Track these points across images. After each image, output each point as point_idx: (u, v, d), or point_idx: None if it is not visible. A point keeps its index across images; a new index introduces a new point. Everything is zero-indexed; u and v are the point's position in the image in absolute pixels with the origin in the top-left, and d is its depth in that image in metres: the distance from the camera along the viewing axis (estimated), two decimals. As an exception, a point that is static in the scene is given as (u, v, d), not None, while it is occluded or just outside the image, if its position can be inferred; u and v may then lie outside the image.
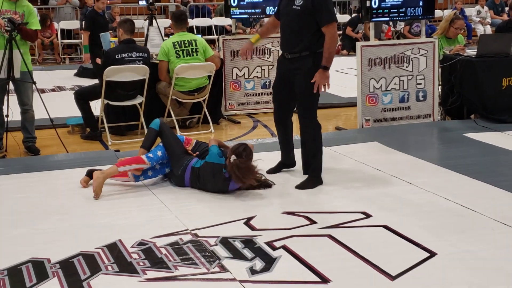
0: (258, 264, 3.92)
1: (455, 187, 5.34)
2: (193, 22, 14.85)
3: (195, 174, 5.27)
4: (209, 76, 7.59)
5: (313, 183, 5.38)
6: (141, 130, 7.37)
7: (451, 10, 15.01)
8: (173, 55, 7.39)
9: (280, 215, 4.78)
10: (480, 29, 15.93)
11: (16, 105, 6.57)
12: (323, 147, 5.57)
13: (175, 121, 7.44)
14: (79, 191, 5.37)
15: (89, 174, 5.46)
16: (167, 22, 14.40)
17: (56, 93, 10.10)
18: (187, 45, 7.49)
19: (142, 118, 7.31)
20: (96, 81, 7.77)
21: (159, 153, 5.43)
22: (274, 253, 4.07)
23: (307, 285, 3.67)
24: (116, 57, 7.11)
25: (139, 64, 7.18)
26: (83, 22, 12.33)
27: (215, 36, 14.16)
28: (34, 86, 6.55)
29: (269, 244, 4.21)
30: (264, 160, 5.43)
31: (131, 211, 4.91)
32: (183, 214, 4.79)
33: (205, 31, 14.87)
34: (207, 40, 8.23)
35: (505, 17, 15.49)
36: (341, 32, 15.21)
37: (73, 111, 7.50)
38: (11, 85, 6.45)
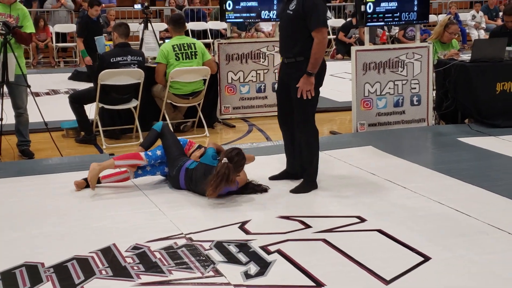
0: (253, 268, 3.92)
1: (450, 191, 5.35)
2: (188, 26, 14.80)
3: (188, 175, 5.27)
4: (205, 81, 7.59)
5: (308, 188, 5.38)
6: (136, 133, 7.37)
7: (445, 15, 15.05)
8: (173, 57, 7.39)
9: (275, 219, 4.78)
10: (474, 34, 15.99)
11: (10, 108, 6.56)
12: (319, 152, 5.57)
13: (170, 125, 7.41)
14: (73, 195, 5.36)
15: (88, 181, 5.46)
16: (162, 25, 14.42)
17: (51, 97, 10.09)
18: (186, 48, 7.49)
19: (136, 122, 7.31)
20: (91, 84, 7.76)
21: (159, 152, 5.47)
22: (268, 257, 4.06)
23: (302, 290, 3.67)
24: (111, 60, 7.11)
25: (134, 67, 7.18)
26: (77, 27, 12.36)
27: (210, 40, 14.17)
28: (28, 89, 6.55)
29: (264, 248, 4.21)
30: (260, 164, 5.45)
31: (126, 215, 4.88)
32: (177, 218, 4.78)
33: (200, 35, 14.88)
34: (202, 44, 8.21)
35: (499, 22, 15.54)
36: (335, 36, 15.26)
37: (68, 115, 7.49)
38: (5, 89, 6.44)
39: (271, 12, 8.45)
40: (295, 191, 5.35)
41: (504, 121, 7.56)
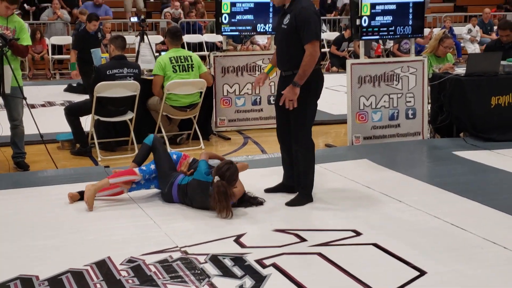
0: (248, 282, 3.90)
1: (445, 205, 5.34)
2: (184, 38, 14.76)
3: (182, 191, 5.26)
4: (201, 93, 7.59)
5: (304, 201, 5.38)
6: (131, 146, 7.35)
7: (440, 29, 15.13)
8: (170, 70, 7.39)
9: (270, 232, 4.76)
10: (470, 48, 16.06)
11: (6, 120, 6.55)
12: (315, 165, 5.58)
13: (165, 138, 7.42)
14: (68, 208, 5.34)
15: (82, 195, 5.44)
16: (159, 38, 14.42)
17: (46, 109, 10.07)
18: (183, 60, 7.50)
19: (132, 134, 7.29)
20: (87, 96, 7.76)
21: (153, 166, 5.48)
22: (264, 271, 4.05)
23: (297, 304, 3.67)
24: (107, 73, 7.11)
25: (130, 80, 7.18)
26: (73, 39, 12.38)
27: (206, 53, 14.17)
28: (24, 101, 6.53)
29: (259, 262, 4.19)
30: (256, 177, 5.44)
31: (121, 228, 4.87)
32: (172, 231, 4.77)
33: (196, 47, 14.90)
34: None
35: (494, 36, 15.62)
36: (330, 49, 15.31)
37: (63, 127, 7.47)
38: (1, 100, 6.44)
39: (267, 25, 8.49)
40: (290, 204, 5.34)
41: (499, 135, 7.57)
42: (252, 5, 8.53)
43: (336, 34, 15.86)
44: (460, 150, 7.15)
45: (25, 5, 14.99)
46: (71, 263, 4.16)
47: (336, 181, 6.08)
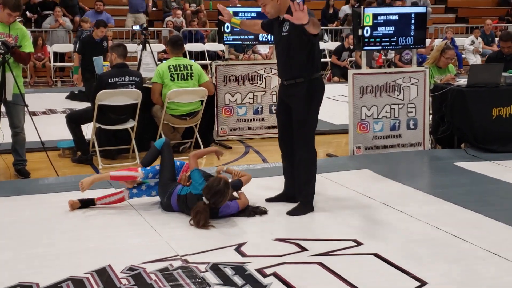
0: (249, 291, 3.90)
1: (446, 216, 5.35)
2: (186, 47, 14.81)
3: (182, 201, 5.25)
4: (202, 102, 7.61)
5: (305, 210, 5.38)
6: (132, 154, 7.37)
7: (442, 40, 15.16)
8: (168, 77, 7.42)
9: (271, 241, 4.76)
10: (472, 59, 16.09)
11: (7, 127, 6.56)
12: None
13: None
14: (69, 215, 5.35)
15: (82, 203, 5.46)
16: (161, 46, 14.47)
17: (48, 116, 10.09)
18: (182, 69, 7.53)
19: (133, 142, 7.31)
20: (88, 104, 7.77)
21: (157, 167, 5.47)
22: (264, 280, 4.05)
23: (298, 313, 3.67)
24: (109, 81, 7.13)
25: (131, 88, 7.19)
26: (76, 45, 12.41)
27: (207, 62, 14.22)
28: (25, 108, 6.54)
29: (260, 271, 4.19)
30: (257, 186, 5.43)
31: (121, 236, 4.87)
32: (173, 239, 4.77)
33: (197, 56, 14.94)
34: (199, 65, 8.24)
35: (495, 47, 15.67)
36: (330, 59, 15.36)
37: (64, 134, 7.49)
38: (2, 108, 6.45)
39: (269, 34, 8.50)
40: (291, 213, 5.35)
41: (500, 146, 7.58)
42: (254, 14, 8.54)
43: (338, 43, 15.91)
44: (461, 161, 7.16)
45: (27, 12, 15.02)
46: (72, 271, 4.15)
47: (337, 191, 6.09)
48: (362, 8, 7.45)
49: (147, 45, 9.42)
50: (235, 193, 5.35)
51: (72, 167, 7.15)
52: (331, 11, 17.86)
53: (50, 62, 14.35)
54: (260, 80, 8.61)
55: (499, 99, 7.68)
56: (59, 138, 7.71)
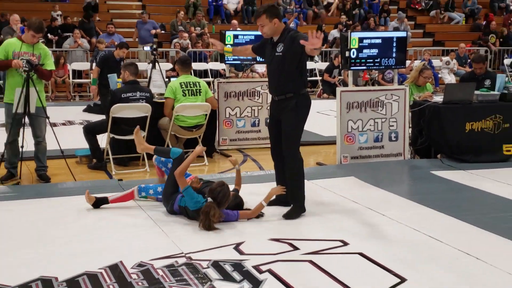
0: (246, 286, 3.90)
1: (424, 220, 5.34)
2: (191, 65, 14.90)
3: (183, 211, 5.22)
4: (206, 115, 7.62)
5: (298, 212, 5.37)
6: (142, 162, 7.36)
7: (420, 61, 15.21)
8: (180, 93, 7.43)
9: (267, 241, 4.76)
10: (447, 78, 16.15)
11: (31, 137, 6.56)
12: (306, 181, 5.58)
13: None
14: (85, 216, 5.35)
15: (97, 199, 5.50)
16: (168, 65, 14.48)
17: (67, 127, 10.09)
18: (192, 85, 7.53)
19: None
20: (103, 116, 7.77)
21: (159, 188, 5.54)
22: (260, 276, 4.05)
23: (290, 306, 3.66)
24: (122, 96, 7.14)
25: (142, 102, 7.20)
26: (96, 59, 12.45)
27: (210, 79, 14.22)
28: (47, 120, 6.55)
29: (256, 268, 4.19)
30: (254, 191, 5.43)
31: (132, 236, 4.87)
32: (178, 238, 4.77)
33: (201, 74, 14.96)
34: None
35: (467, 68, 15.72)
36: (321, 78, 15.38)
37: (82, 143, 7.48)
38: (26, 119, 6.45)
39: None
40: (287, 216, 5.33)
41: (473, 157, 7.59)
42: (252, 37, 8.57)
43: (327, 63, 15.94)
44: (437, 170, 7.17)
45: (48, 34, 15.05)
46: (87, 266, 4.16)
47: (326, 196, 6.09)
48: (349, 32, 7.49)
49: (156, 64, 9.44)
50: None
51: (88, 173, 7.15)
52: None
53: (69, 78, 14.37)
54: (257, 96, 8.64)
55: (471, 115, 7.68)
56: (76, 146, 7.71)
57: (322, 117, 11.16)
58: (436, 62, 16.74)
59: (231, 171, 7.09)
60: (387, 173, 7.16)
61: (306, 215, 5.40)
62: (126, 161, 7.52)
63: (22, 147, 6.47)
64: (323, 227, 5.13)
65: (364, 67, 7.68)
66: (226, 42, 8.45)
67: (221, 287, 3.87)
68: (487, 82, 8.48)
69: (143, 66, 12.30)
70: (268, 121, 5.65)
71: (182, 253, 4.45)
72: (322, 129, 9.56)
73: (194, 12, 17.64)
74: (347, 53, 7.32)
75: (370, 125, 7.62)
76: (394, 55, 7.55)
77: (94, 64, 12.93)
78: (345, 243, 4.72)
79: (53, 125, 7.32)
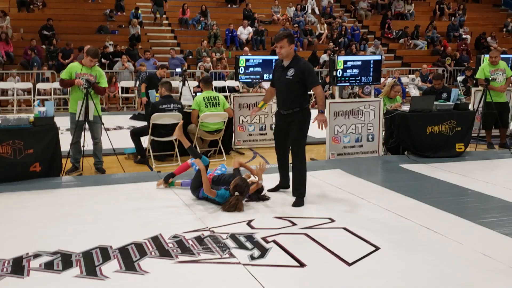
0: (256, 252, 3.95)
1: (393, 202, 5.36)
2: (213, 83, 14.87)
3: (205, 198, 5.24)
4: (224, 122, 7.67)
5: (302, 202, 5.23)
6: (175, 158, 7.40)
7: (391, 78, 15.17)
8: (203, 105, 7.48)
9: (272, 219, 4.79)
10: (413, 92, 16.07)
11: (90, 138, 6.63)
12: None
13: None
14: (133, 199, 5.37)
15: (166, 177, 5.67)
16: (195, 83, 14.51)
17: (117, 131, 10.13)
18: (212, 99, 7.58)
19: (176, 150, 7.34)
20: (146, 123, 7.83)
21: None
22: (267, 245, 4.09)
23: (290, 268, 3.69)
24: (160, 107, 7.19)
25: (175, 112, 7.25)
26: (139, 78, 12.55)
27: (227, 94, 14.25)
28: (102, 126, 6.62)
29: (264, 239, 4.23)
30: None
31: (169, 214, 4.91)
32: (204, 216, 4.81)
33: (220, 89, 14.99)
34: (223, 96, 8.29)
35: (429, 84, 15.65)
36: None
37: (129, 144, 7.53)
38: (86, 125, 6.52)
39: (270, 74, 8.55)
40: (295, 205, 5.16)
41: (432, 153, 7.58)
42: (260, 61, 8.62)
43: (320, 81, 15.89)
44: (404, 164, 7.17)
45: (102, 59, 15.13)
46: (134, 237, 4.20)
47: (318, 184, 6.10)
48: (336, 56, 7.52)
49: (186, 82, 9.49)
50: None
51: (134, 166, 7.19)
52: (315, 59, 17.88)
53: (119, 93, 14.44)
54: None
55: (431, 120, 7.67)
56: (125, 146, 7.76)
57: (315, 123, 11.14)
58: (404, 79, 16.65)
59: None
60: (365, 166, 7.17)
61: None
62: (163, 157, 7.57)
63: (83, 146, 6.54)
64: (315, 208, 5.15)
65: (348, 83, 7.71)
66: (240, 65, 8.52)
67: (237, 253, 3.91)
68: (444, 95, 8.48)
69: (175, 83, 12.34)
70: (273, 127, 5.57)
71: (207, 227, 4.49)
72: (315, 132, 9.50)
73: (215, 41, 17.67)
74: (334, 73, 7.35)
75: (352, 129, 7.63)
76: (371, 74, 7.56)
77: (137, 82, 13.02)
78: (332, 220, 4.75)
79: (107, 129, 7.38)
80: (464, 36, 20.56)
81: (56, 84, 13.45)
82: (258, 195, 5.36)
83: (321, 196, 5.56)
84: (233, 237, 4.27)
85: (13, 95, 13.72)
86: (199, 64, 16.18)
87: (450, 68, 18.23)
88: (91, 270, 3.61)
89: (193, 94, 9.41)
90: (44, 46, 15.66)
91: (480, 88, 8.73)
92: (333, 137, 7.52)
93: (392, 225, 4.62)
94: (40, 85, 14.01)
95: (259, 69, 8.61)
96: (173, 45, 17.47)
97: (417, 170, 6.83)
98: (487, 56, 9.05)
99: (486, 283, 3.50)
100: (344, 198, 5.50)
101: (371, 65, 7.55)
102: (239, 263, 3.75)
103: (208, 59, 16.23)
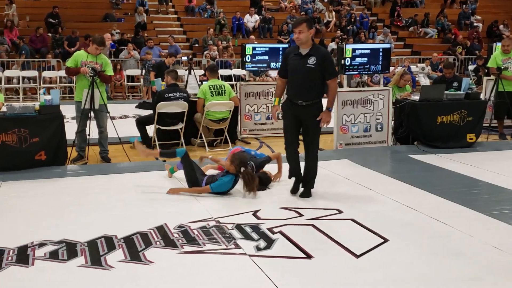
0: (262, 243, 3.94)
1: (402, 193, 5.32)
2: (219, 72, 14.82)
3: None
4: (230, 111, 7.64)
5: (310, 193, 5.18)
6: (181, 147, 7.39)
7: (401, 67, 15.05)
8: (209, 94, 7.46)
9: (278, 209, 4.78)
10: (422, 81, 15.95)
11: (95, 127, 6.62)
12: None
13: (205, 142, 7.49)
14: (138, 189, 5.37)
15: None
16: (201, 71, 14.46)
17: (123, 120, 10.13)
18: (218, 88, 7.55)
19: (182, 139, 7.35)
20: (151, 112, 7.83)
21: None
22: (273, 236, 4.08)
23: (296, 260, 3.68)
24: (165, 96, 7.18)
25: (181, 101, 7.24)
26: (145, 67, 12.53)
27: (234, 82, 14.17)
28: (108, 114, 6.62)
29: (270, 229, 4.22)
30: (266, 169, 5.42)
31: (174, 204, 4.91)
32: (210, 206, 4.80)
33: (227, 78, 14.93)
34: (229, 85, 8.26)
35: (439, 73, 15.51)
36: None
37: (134, 132, 7.53)
38: (92, 114, 6.52)
39: (277, 63, 8.50)
40: (303, 196, 5.11)
41: (442, 143, 7.53)
42: (267, 49, 8.56)
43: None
44: (414, 154, 7.12)
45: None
46: (139, 227, 4.21)
47: (325, 175, 6.05)
48: (344, 45, 7.45)
49: (192, 70, 9.46)
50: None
51: (140, 155, 7.18)
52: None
53: (124, 82, 14.43)
54: (271, 95, 8.60)
55: (442, 110, 7.62)
56: (130, 135, 7.71)
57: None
58: (413, 68, 16.51)
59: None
60: (374, 156, 7.13)
61: (309, 189, 5.39)
62: (169, 146, 7.55)
63: (89, 135, 6.55)
64: (322, 199, 5.12)
65: (356, 72, 7.65)
66: (246, 53, 8.46)
67: (243, 244, 3.90)
68: (455, 84, 8.40)
69: (181, 72, 12.30)
70: (283, 116, 5.12)
71: (212, 217, 4.48)
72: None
73: (221, 29, 17.59)
74: (342, 61, 7.28)
75: (360, 118, 7.58)
76: (380, 62, 7.50)
77: (143, 71, 12.99)
78: (340, 211, 4.72)
79: (112, 118, 7.38)
80: (475, 24, 20.32)
81: (62, 72, 13.45)
82: (260, 183, 5.31)
83: (328, 187, 5.53)
84: (239, 227, 4.26)
85: (18, 83, 13.74)
86: (205, 52, 16.12)
87: (461, 56, 18.05)
88: (96, 260, 3.61)
89: (199, 83, 9.37)
90: (50, 34, 15.65)
91: (492, 77, 8.65)
92: (341, 126, 7.48)
93: (401, 217, 4.58)
94: (46, 73, 14.02)
95: (265, 57, 8.55)
96: (179, 33, 17.39)
97: (426, 160, 6.77)
98: (499, 44, 8.94)
99: (496, 277, 3.46)
100: (352, 189, 5.47)
101: (380, 54, 7.48)
102: (245, 254, 3.74)
103: (215, 47, 16.17)
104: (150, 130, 7.38)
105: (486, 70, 9.58)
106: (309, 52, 4.83)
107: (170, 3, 18.94)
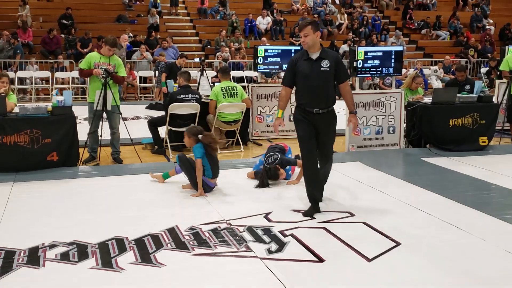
0: (273, 246, 3.91)
1: (414, 196, 5.27)
2: (231, 73, 14.80)
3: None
4: (242, 112, 7.61)
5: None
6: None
7: (413, 70, 14.92)
8: (221, 96, 7.44)
9: (290, 212, 4.75)
10: (435, 84, 15.81)
11: (107, 128, 6.64)
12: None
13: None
14: (149, 190, 5.38)
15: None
16: (213, 73, 14.46)
17: (135, 121, 10.18)
18: (230, 89, 7.53)
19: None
20: (163, 113, 7.83)
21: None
22: (285, 239, 4.05)
23: (308, 263, 3.64)
24: (177, 97, 7.17)
25: (193, 102, 7.23)
26: (158, 68, 12.56)
27: (246, 84, 14.17)
28: (120, 115, 6.63)
29: (281, 232, 4.19)
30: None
31: (185, 206, 4.90)
32: (221, 208, 4.79)
33: (238, 80, 14.91)
34: (241, 87, 8.23)
35: (451, 76, 15.37)
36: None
37: (146, 134, 7.53)
38: (104, 115, 6.53)
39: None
40: (306, 214, 4.74)
41: (455, 146, 7.45)
42: (279, 51, 8.53)
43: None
44: (426, 157, 7.05)
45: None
46: (151, 229, 4.20)
47: (337, 177, 6.00)
48: (356, 47, 7.39)
49: (204, 72, 9.45)
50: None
51: (151, 157, 7.20)
52: (334, 49, 17.70)
53: (137, 83, 14.47)
54: (283, 97, 8.56)
55: (454, 113, 7.54)
56: (142, 136, 7.77)
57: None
58: (426, 71, 16.38)
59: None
60: (386, 159, 7.09)
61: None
62: (181, 148, 7.54)
63: (101, 136, 6.56)
64: (334, 202, 5.09)
65: (368, 75, 7.59)
66: (259, 55, 8.43)
67: (254, 247, 3.88)
68: (467, 87, 8.31)
69: (194, 73, 12.31)
70: (297, 126, 4.70)
71: (224, 220, 4.46)
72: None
73: (233, 31, 17.58)
74: (354, 63, 7.24)
75: (372, 121, 7.53)
76: (392, 65, 7.44)
77: (157, 72, 13.02)
78: (352, 214, 4.69)
79: (125, 119, 7.40)
80: (487, 27, 20.11)
81: (75, 73, 13.53)
82: (264, 179, 5.39)
83: (340, 190, 5.50)
84: (250, 230, 4.23)
85: (31, 84, 13.84)
86: (218, 54, 16.13)
87: (473, 59, 17.87)
88: (106, 262, 3.60)
89: (211, 84, 9.37)
90: (63, 35, 15.75)
91: (504, 80, 8.54)
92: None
93: (413, 220, 4.53)
94: (59, 74, 14.12)
95: (277, 59, 8.52)
96: (191, 34, 17.42)
97: (439, 163, 6.71)
98: (511, 47, 8.82)
99: (508, 281, 3.39)
100: (364, 192, 5.43)
101: (393, 56, 7.43)
102: (256, 256, 3.71)
103: (227, 49, 16.17)
104: (162, 131, 7.37)
105: (499, 73, 9.47)
106: (321, 56, 4.56)
107: (182, 5, 18.98)
